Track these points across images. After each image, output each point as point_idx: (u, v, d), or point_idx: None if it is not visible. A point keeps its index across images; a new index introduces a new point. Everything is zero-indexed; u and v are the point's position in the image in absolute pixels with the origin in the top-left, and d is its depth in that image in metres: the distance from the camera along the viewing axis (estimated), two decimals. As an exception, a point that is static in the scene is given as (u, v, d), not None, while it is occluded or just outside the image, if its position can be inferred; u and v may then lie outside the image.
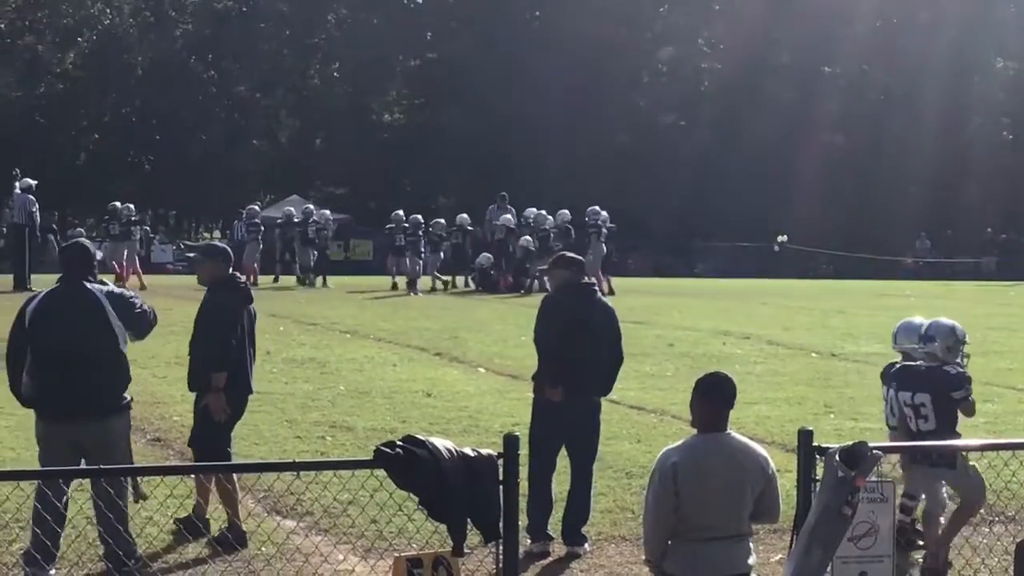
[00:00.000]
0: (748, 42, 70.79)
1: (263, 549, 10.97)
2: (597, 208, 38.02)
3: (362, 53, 71.41)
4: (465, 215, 42.00)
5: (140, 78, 70.42)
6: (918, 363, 11.60)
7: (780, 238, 61.24)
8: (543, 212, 39.06)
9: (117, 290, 10.85)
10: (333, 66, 75.06)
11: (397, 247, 39.35)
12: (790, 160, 65.29)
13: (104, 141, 69.99)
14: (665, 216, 66.65)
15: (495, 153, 65.58)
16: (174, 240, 62.61)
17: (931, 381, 11.35)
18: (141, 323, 10.84)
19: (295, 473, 8.47)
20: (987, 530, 11.87)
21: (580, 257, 12.83)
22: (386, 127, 74.01)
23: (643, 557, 8.46)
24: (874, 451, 7.85)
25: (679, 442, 7.86)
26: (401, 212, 40.62)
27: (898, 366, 11.90)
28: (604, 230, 37.45)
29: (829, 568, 8.00)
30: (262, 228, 41.65)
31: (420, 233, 39.15)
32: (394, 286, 38.39)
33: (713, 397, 7.80)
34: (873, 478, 8.06)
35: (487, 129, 65.56)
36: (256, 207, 41.94)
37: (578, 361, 11.95)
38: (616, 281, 38.07)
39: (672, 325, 27.95)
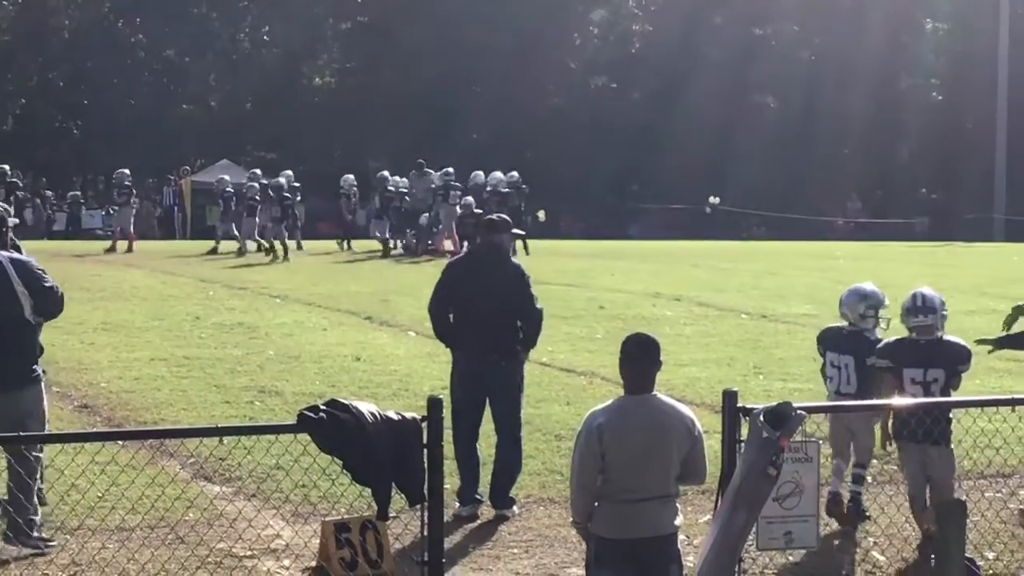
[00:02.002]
0: (680, 4, 70.91)
1: (189, 515, 10.89)
2: (450, 170, 38.77)
3: (293, 17, 70.92)
4: (385, 173, 40.74)
5: (67, 42, 69.62)
6: (843, 326, 11.69)
7: (712, 200, 61.43)
8: (497, 174, 38.85)
9: (24, 258, 10.52)
10: (263, 30, 74.49)
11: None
12: (722, 122, 65.42)
13: (31, 106, 69.16)
14: (598, 179, 66.69)
15: (427, 117, 65.35)
16: (104, 205, 62.00)
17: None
18: (46, 298, 10.39)
19: (220, 438, 8.41)
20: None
21: (498, 219, 12.62)
22: (317, 91, 73.56)
23: (570, 519, 8.45)
24: (798, 411, 7.86)
25: (605, 404, 7.83)
26: (352, 176, 40.55)
27: (825, 328, 12.01)
28: (453, 193, 37.78)
29: (754, 528, 8.02)
30: (134, 192, 40.60)
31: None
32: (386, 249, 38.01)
33: (636, 358, 7.77)
34: (798, 438, 8.07)
35: (419, 93, 65.31)
36: (126, 171, 40.86)
37: (475, 323, 11.92)
38: (548, 244, 38.09)
39: (603, 287, 27.96)
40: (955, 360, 10.72)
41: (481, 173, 39.01)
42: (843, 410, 11.06)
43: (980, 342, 12.16)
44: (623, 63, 72.60)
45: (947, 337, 10.90)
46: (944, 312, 10.91)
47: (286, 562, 10.21)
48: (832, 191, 67.82)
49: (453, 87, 66.02)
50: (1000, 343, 12.12)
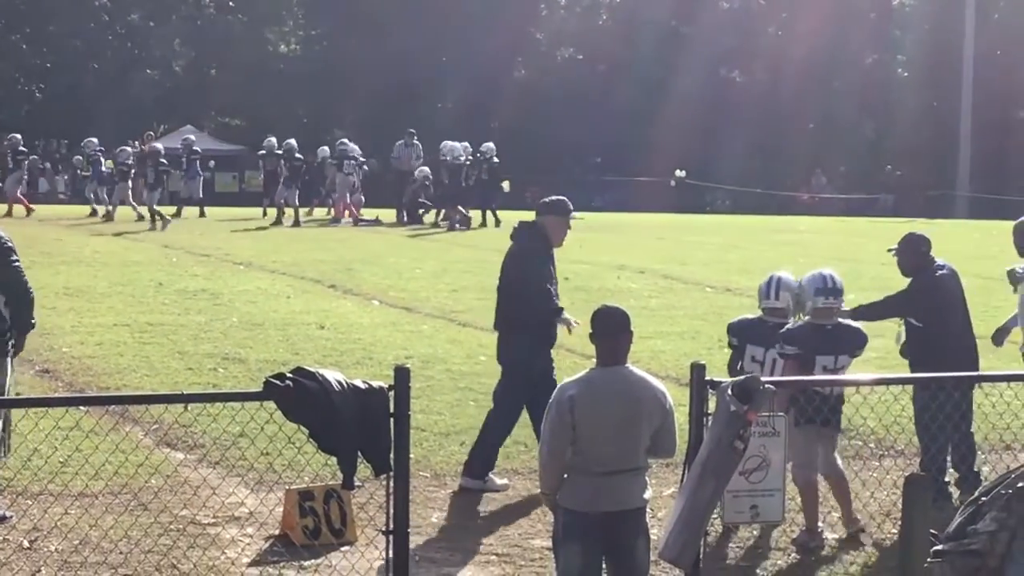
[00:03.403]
0: (647, -24, 70.84)
1: (152, 482, 10.84)
2: (346, 140, 39.70)
3: (258, -19, 70.63)
4: (292, 141, 39.76)
5: (30, 3, 69.04)
6: (761, 318, 11.22)
7: (678, 173, 61.40)
8: (460, 144, 38.70)
9: None
10: (229, -6, 74.13)
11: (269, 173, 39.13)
12: (689, 96, 65.35)
13: (-8, 68, 68.70)
14: (564, 150, 66.63)
15: (394, 86, 65.12)
16: (66, 170, 61.60)
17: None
18: (8, 275, 10.36)
19: (184, 405, 8.35)
20: (876, 464, 11.98)
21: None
22: (282, 58, 73.22)
23: (538, 490, 8.42)
24: (766, 385, 7.85)
25: (577, 375, 7.80)
26: (274, 139, 40.14)
27: (740, 319, 11.62)
28: (348, 162, 38.02)
29: (720, 501, 8.01)
30: (26, 156, 40.35)
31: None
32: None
33: (604, 330, 7.74)
34: (764, 412, 8.06)
35: (385, 62, 65.01)
36: (18, 136, 40.59)
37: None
38: (514, 215, 37.87)
39: (567, 259, 27.75)
40: (858, 345, 10.66)
41: (453, 144, 38.80)
42: (819, 384, 10.87)
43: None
44: (590, 35, 72.51)
45: (843, 321, 10.82)
46: None
47: (249, 530, 10.17)
48: (797, 166, 67.91)
49: (420, 56, 65.77)
50: (853, 313, 11.99)
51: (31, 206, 38.58)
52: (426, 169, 38.63)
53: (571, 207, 12.28)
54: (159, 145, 38.54)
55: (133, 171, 37.13)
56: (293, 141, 39.51)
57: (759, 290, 11.24)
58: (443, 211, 37.93)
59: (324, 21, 71.62)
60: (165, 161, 37.30)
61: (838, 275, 10.92)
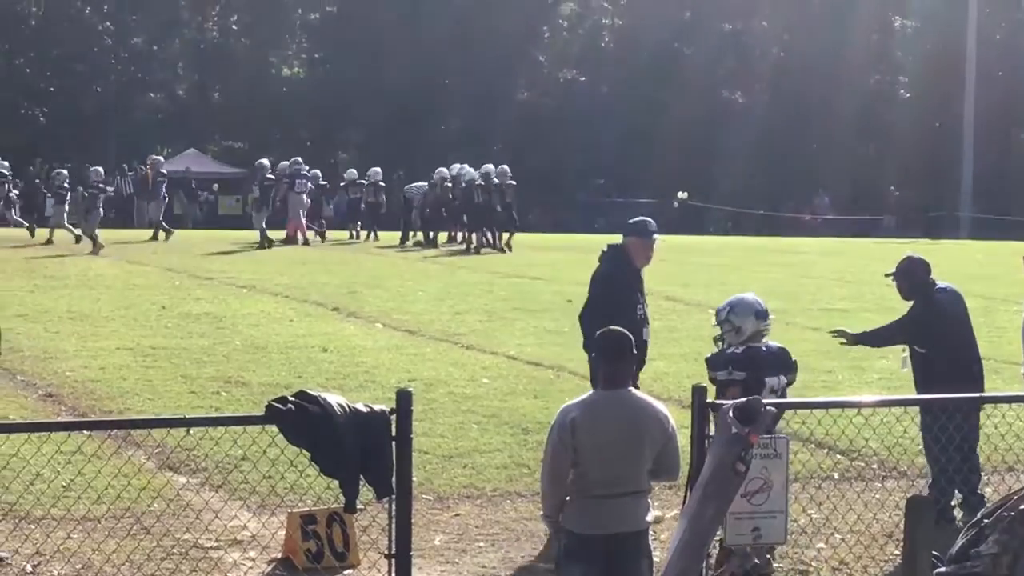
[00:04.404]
0: (649, -1, 71.06)
1: (154, 505, 10.83)
2: (299, 159, 39.52)
3: (261, 6, 70.71)
4: (263, 161, 39.34)
5: (34, 28, 69.25)
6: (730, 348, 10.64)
7: (680, 194, 61.49)
8: (465, 167, 38.73)
9: None
10: (232, 18, 74.23)
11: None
12: (691, 118, 65.50)
13: (-4, 92, 68.83)
14: (566, 172, 66.70)
15: (397, 109, 65.22)
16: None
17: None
18: None
19: (187, 429, 8.35)
20: (879, 485, 11.97)
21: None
22: (285, 81, 73.37)
23: (540, 513, 8.42)
24: (768, 407, 7.85)
25: (579, 398, 7.81)
26: (266, 161, 39.75)
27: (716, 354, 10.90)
28: (300, 181, 37.80)
29: (723, 524, 8.01)
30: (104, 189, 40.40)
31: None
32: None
33: (608, 353, 7.76)
34: (766, 434, 8.06)
35: (387, 84, 65.15)
36: (100, 169, 40.67)
37: None
38: (517, 237, 37.98)
39: (571, 280, 27.81)
40: (792, 367, 10.38)
41: (464, 167, 38.77)
42: (817, 406, 10.85)
43: (836, 333, 12.16)
44: (592, 57, 72.66)
45: (771, 343, 10.51)
46: None
47: (252, 553, 10.16)
48: (800, 187, 68.00)
49: (422, 79, 65.90)
50: (857, 339, 11.99)
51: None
52: (424, 185, 38.80)
53: (654, 228, 12.20)
54: (64, 172, 39.14)
55: (70, 194, 37.39)
56: (264, 161, 39.26)
57: (755, 311, 10.84)
58: (459, 234, 38.05)
59: (327, 44, 71.77)
60: (66, 186, 37.63)
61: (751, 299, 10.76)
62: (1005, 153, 69.13)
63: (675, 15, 71.75)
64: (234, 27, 73.99)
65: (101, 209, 36.20)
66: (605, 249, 12.24)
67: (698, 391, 8.21)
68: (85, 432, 11.89)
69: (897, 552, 9.80)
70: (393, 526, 7.89)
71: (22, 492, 10.64)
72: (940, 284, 11.86)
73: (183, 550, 10.10)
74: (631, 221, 12.35)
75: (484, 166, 38.31)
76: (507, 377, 16.86)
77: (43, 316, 20.69)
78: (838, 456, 12.90)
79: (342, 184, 45.85)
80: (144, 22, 71.01)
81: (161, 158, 42.21)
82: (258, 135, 67.88)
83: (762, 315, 10.52)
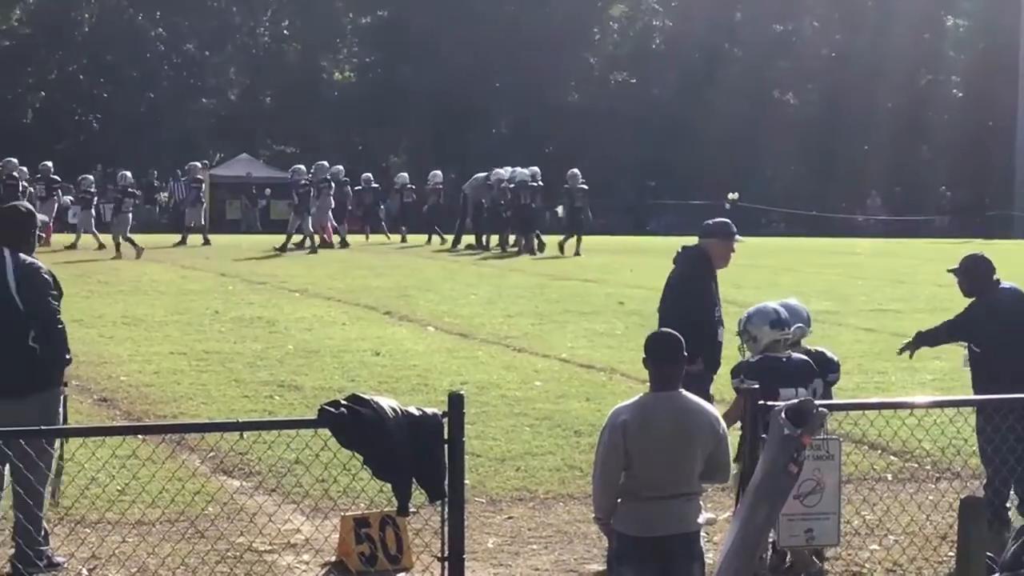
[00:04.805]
0: (701, 0, 70.83)
1: (208, 509, 10.88)
2: (325, 164, 39.57)
3: (313, 10, 70.92)
4: (299, 167, 39.97)
5: (87, 35, 69.68)
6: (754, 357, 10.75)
7: (731, 195, 61.25)
8: (518, 169, 38.77)
9: (35, 265, 9.74)
10: (283, 23, 74.50)
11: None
12: (743, 119, 65.34)
13: (51, 99, 69.24)
14: (618, 174, 66.59)
15: (447, 112, 65.30)
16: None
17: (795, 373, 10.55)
18: (40, 309, 9.59)
19: (240, 433, 8.39)
20: (933, 486, 11.90)
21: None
22: (337, 85, 73.55)
23: (592, 515, 8.42)
24: (820, 409, 7.83)
25: (630, 400, 7.81)
26: (302, 166, 39.76)
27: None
28: (326, 186, 38.03)
29: (775, 525, 7.99)
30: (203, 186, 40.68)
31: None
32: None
33: (658, 356, 7.75)
34: (819, 435, 8.04)
35: (439, 88, 65.22)
36: (197, 164, 40.99)
37: None
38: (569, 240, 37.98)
39: (622, 283, 27.95)
40: (811, 376, 10.33)
41: (517, 169, 38.86)
42: (874, 408, 10.80)
43: (901, 351, 11.89)
44: (643, 59, 72.53)
45: (794, 354, 10.51)
46: None
47: (305, 557, 10.21)
48: (852, 188, 67.67)
49: (473, 82, 65.97)
50: (917, 343, 11.86)
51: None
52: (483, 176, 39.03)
53: (734, 229, 12.17)
54: (90, 177, 39.82)
55: (96, 200, 38.05)
56: (300, 166, 39.53)
57: (771, 321, 10.76)
58: (510, 237, 38.11)
59: (378, 48, 71.92)
60: (92, 191, 38.17)
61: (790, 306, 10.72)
62: (1059, 152, 68.62)
63: (725, 16, 71.55)
64: (285, 32, 74.24)
65: (130, 214, 36.34)
66: (680, 251, 12.18)
67: (751, 393, 8.20)
68: (139, 436, 11.98)
69: (951, 554, 9.74)
70: (446, 529, 7.90)
71: (77, 496, 10.71)
72: (1004, 284, 11.73)
73: (237, 554, 10.14)
74: (711, 222, 12.32)
75: (530, 168, 38.40)
76: (559, 380, 16.86)
77: (97, 321, 20.83)
78: (891, 457, 12.85)
79: (395, 188, 46.08)
80: (196, 27, 71.39)
81: (198, 164, 42.30)
82: (309, 139, 68.08)
83: (779, 325, 10.57)
